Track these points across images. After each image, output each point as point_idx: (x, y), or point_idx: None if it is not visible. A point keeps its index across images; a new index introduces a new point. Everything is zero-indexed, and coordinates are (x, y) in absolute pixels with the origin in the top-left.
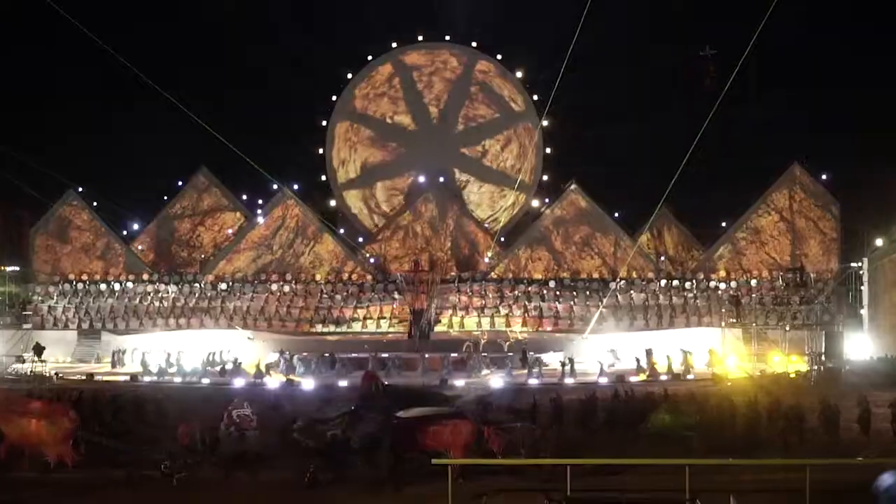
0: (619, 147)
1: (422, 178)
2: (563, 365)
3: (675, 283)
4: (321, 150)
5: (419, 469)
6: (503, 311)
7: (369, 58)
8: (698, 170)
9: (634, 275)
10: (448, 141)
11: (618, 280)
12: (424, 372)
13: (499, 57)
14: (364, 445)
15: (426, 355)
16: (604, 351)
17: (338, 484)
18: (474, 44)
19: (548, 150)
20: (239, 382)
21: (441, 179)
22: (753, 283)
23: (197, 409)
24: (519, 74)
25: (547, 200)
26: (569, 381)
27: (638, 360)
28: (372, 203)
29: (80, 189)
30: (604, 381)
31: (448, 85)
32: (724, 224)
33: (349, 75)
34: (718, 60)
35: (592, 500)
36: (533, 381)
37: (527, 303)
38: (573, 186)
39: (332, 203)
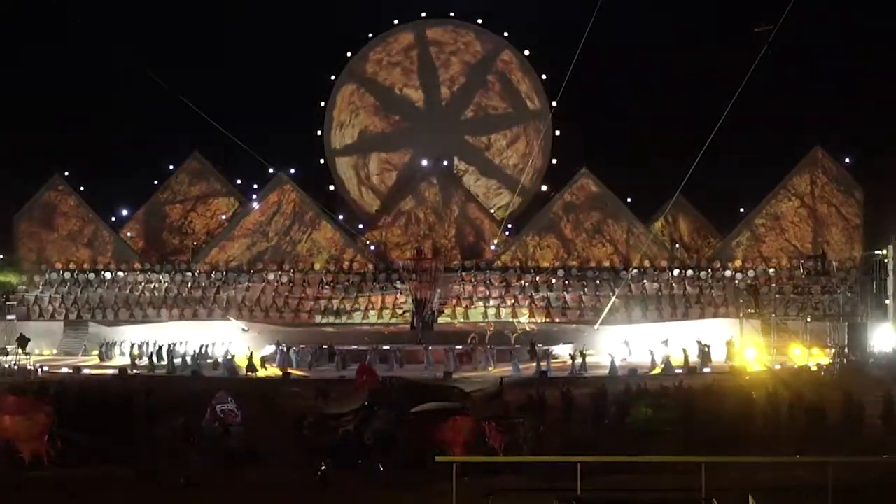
0: (633, 129)
1: (425, 161)
2: (574, 358)
3: (691, 271)
4: (320, 132)
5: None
6: (510, 301)
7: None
8: (719, 152)
9: (648, 263)
10: (454, 125)
11: (630, 269)
12: (428, 365)
13: (526, 52)
14: (377, 442)
15: (429, 348)
16: (616, 343)
17: (350, 482)
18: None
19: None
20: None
21: (445, 163)
22: (773, 271)
23: (188, 404)
24: (544, 77)
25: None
26: (579, 374)
27: (652, 353)
28: (363, 173)
29: (66, 173)
30: (616, 374)
31: (466, 68)
32: (742, 210)
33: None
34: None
35: (605, 500)
36: (541, 375)
37: (535, 293)
38: (584, 170)
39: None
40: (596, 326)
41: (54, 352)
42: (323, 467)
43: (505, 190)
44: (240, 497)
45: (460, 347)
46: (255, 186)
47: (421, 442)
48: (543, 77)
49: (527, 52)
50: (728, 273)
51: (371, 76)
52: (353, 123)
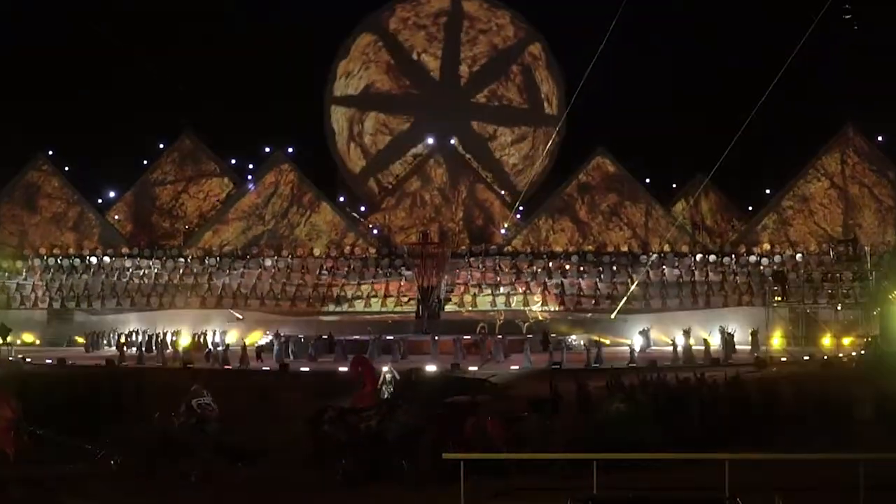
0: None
1: (430, 140)
2: (589, 349)
3: (714, 257)
4: (323, 121)
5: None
6: (521, 288)
7: None
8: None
9: (668, 248)
10: (463, 106)
11: (649, 254)
12: (434, 357)
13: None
14: (402, 438)
15: (436, 338)
16: (634, 333)
17: (373, 481)
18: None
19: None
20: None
21: (453, 142)
22: (801, 256)
23: (180, 398)
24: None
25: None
26: (595, 366)
27: (674, 343)
28: (356, 129)
29: (50, 152)
30: (634, 366)
31: (492, 51)
32: (768, 191)
33: None
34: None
35: (622, 500)
36: (555, 367)
37: (548, 279)
38: (600, 149)
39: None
40: (613, 315)
41: (38, 342)
42: (344, 465)
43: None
44: (256, 498)
45: (468, 338)
46: (251, 166)
47: (451, 438)
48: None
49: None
50: (753, 258)
51: (392, 32)
52: (361, 76)
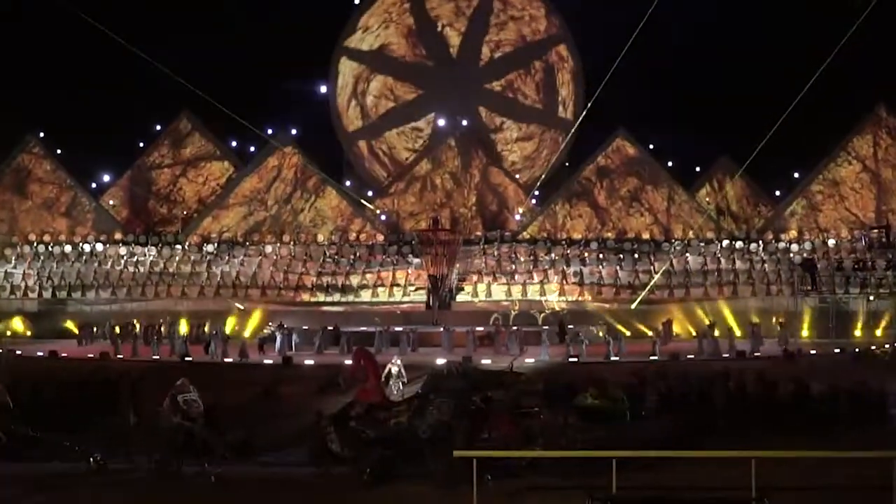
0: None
1: (441, 121)
2: (609, 340)
3: (740, 244)
4: (324, 89)
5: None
6: (537, 277)
7: None
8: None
9: (691, 234)
10: (475, 89)
11: (672, 241)
12: (445, 349)
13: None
14: (434, 435)
15: (447, 330)
16: (656, 324)
17: (403, 480)
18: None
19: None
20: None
21: (465, 122)
22: (831, 243)
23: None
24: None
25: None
26: (615, 359)
27: (700, 335)
28: (360, 87)
29: (41, 134)
30: (656, 358)
31: (519, 40)
32: (796, 175)
33: None
34: None
35: (643, 500)
36: (573, 360)
37: (565, 268)
38: (620, 130)
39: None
40: (633, 305)
41: (28, 334)
42: (372, 463)
43: None
44: (278, 497)
45: (481, 329)
46: (253, 149)
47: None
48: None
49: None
50: (781, 245)
51: None
52: (378, 33)
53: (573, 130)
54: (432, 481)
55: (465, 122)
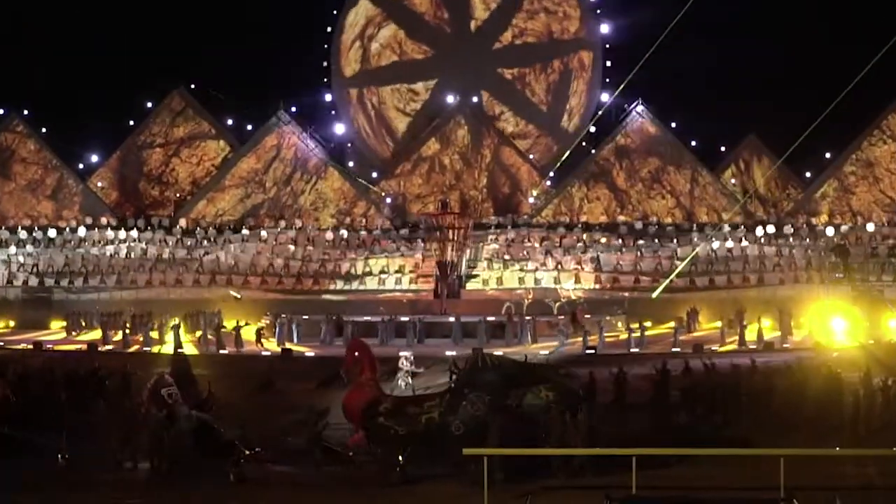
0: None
1: (450, 99)
2: (630, 331)
3: (768, 229)
4: (325, 63)
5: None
6: (552, 263)
7: None
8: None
9: (716, 218)
10: (485, 70)
11: (695, 225)
12: (455, 340)
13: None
14: (468, 432)
15: (456, 319)
16: (679, 313)
17: (435, 480)
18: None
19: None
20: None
21: (475, 99)
22: (870, 227)
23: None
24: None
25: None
26: (635, 351)
27: (722, 326)
28: (368, 32)
29: (25, 112)
30: (678, 350)
31: (545, 34)
32: (828, 155)
33: None
34: None
35: (665, 501)
36: (590, 352)
37: (581, 254)
38: (640, 108)
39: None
40: (655, 294)
41: (11, 324)
42: (402, 461)
43: None
44: (304, 498)
45: (493, 318)
46: (250, 128)
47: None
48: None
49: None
50: (815, 229)
51: None
52: None
53: (568, 151)
54: (465, 481)
55: (475, 99)
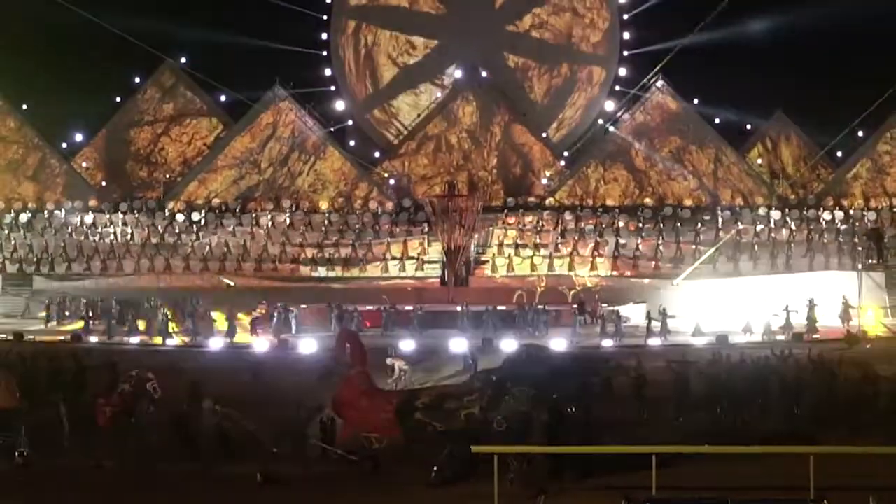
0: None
1: (458, 73)
2: (650, 321)
3: (796, 212)
4: (325, 36)
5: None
6: (566, 249)
7: None
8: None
9: (741, 201)
10: (489, 47)
11: (719, 208)
12: (463, 330)
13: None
14: (510, 428)
15: (464, 308)
16: (701, 303)
17: (474, 480)
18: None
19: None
20: (216, 343)
21: (484, 74)
22: None
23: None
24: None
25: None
26: (655, 342)
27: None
28: (361, 14)
29: (5, 87)
30: (701, 342)
31: (563, 34)
32: (860, 133)
33: None
34: None
35: (685, 502)
36: (607, 343)
37: (598, 239)
38: (660, 83)
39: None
40: (676, 282)
41: None
42: (442, 460)
43: None
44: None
45: (503, 308)
46: (244, 104)
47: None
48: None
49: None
50: (843, 213)
51: None
52: None
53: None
54: (508, 481)
55: (484, 74)
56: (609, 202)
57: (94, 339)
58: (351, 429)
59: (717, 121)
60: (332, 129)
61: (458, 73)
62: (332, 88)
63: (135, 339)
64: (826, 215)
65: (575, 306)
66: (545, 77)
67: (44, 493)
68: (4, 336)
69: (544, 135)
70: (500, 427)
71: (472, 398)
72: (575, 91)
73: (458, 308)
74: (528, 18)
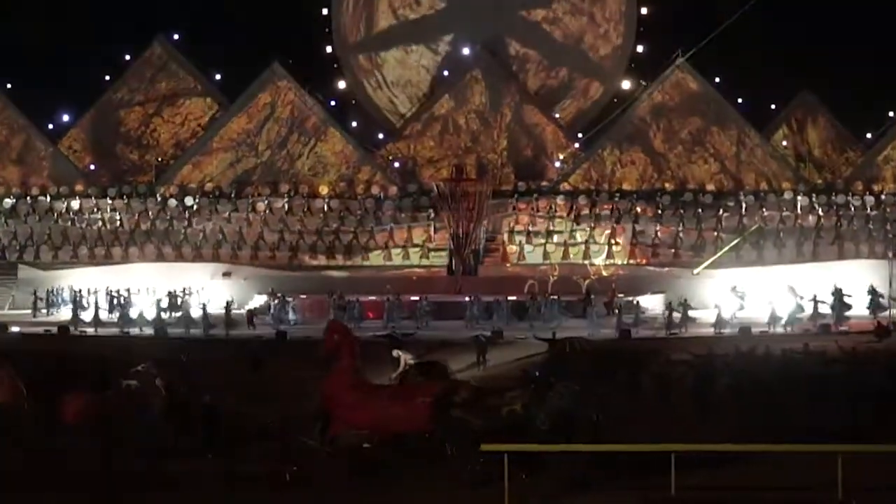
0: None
1: (466, 50)
2: (670, 312)
3: (824, 197)
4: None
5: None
6: (581, 236)
7: None
8: None
9: (765, 185)
10: (494, 18)
11: (742, 193)
12: (471, 321)
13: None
14: (555, 427)
15: (473, 299)
16: (723, 292)
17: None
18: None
19: None
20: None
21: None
22: None
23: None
24: None
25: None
26: (675, 334)
27: (772, 306)
28: None
29: None
30: (722, 334)
31: (573, 38)
32: (891, 113)
33: None
34: None
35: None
36: (625, 335)
37: (615, 225)
38: (680, 60)
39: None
40: (696, 271)
41: None
42: (479, 460)
43: None
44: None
45: (514, 298)
46: (240, 84)
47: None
48: None
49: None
50: (873, 198)
51: None
52: None
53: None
54: (554, 482)
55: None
56: (626, 187)
57: (82, 330)
58: (339, 424)
59: (739, 101)
60: (333, 105)
61: (466, 51)
62: (336, 66)
63: (130, 331)
64: (855, 200)
65: (592, 296)
66: (541, 74)
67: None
68: None
69: (556, 115)
70: (543, 425)
71: (513, 394)
72: (567, 98)
73: (467, 299)
74: (542, 11)
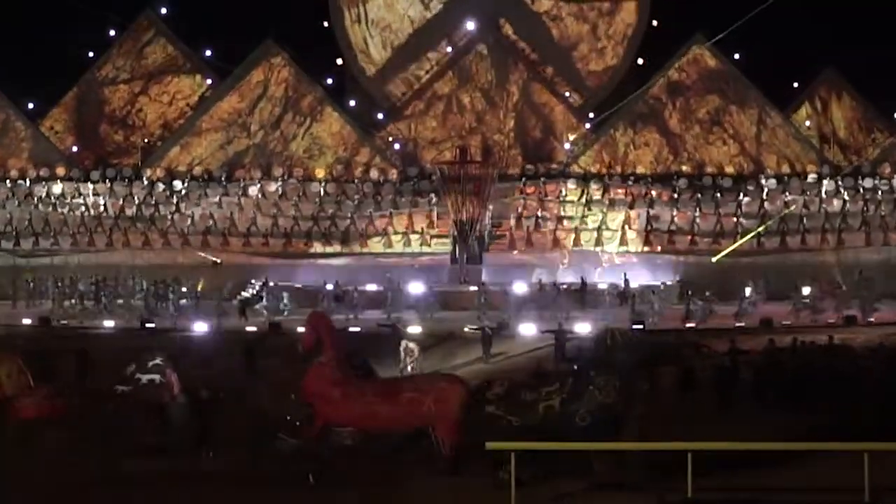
0: None
1: (471, 25)
2: (689, 302)
3: (849, 180)
4: None
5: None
6: (592, 222)
7: None
8: None
9: (787, 168)
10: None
11: (763, 176)
12: (477, 311)
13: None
14: (595, 423)
15: (478, 288)
16: (742, 281)
17: (553, 482)
18: None
19: None
20: (200, 327)
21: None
22: None
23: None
24: None
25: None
26: (694, 325)
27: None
28: None
29: None
30: (742, 326)
31: (569, 41)
32: None
33: None
34: None
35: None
36: (638, 326)
37: (628, 210)
38: (697, 36)
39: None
40: (716, 259)
41: None
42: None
43: None
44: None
45: (521, 287)
46: (232, 59)
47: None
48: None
49: None
50: None
51: None
52: None
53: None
54: (593, 482)
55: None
56: (640, 169)
57: (65, 322)
58: (322, 422)
59: (759, 78)
60: (329, 83)
61: (471, 26)
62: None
63: (110, 323)
64: (883, 184)
65: (605, 285)
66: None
67: None
68: None
69: (567, 94)
70: (582, 422)
71: (551, 389)
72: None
73: (472, 288)
74: (549, 3)
